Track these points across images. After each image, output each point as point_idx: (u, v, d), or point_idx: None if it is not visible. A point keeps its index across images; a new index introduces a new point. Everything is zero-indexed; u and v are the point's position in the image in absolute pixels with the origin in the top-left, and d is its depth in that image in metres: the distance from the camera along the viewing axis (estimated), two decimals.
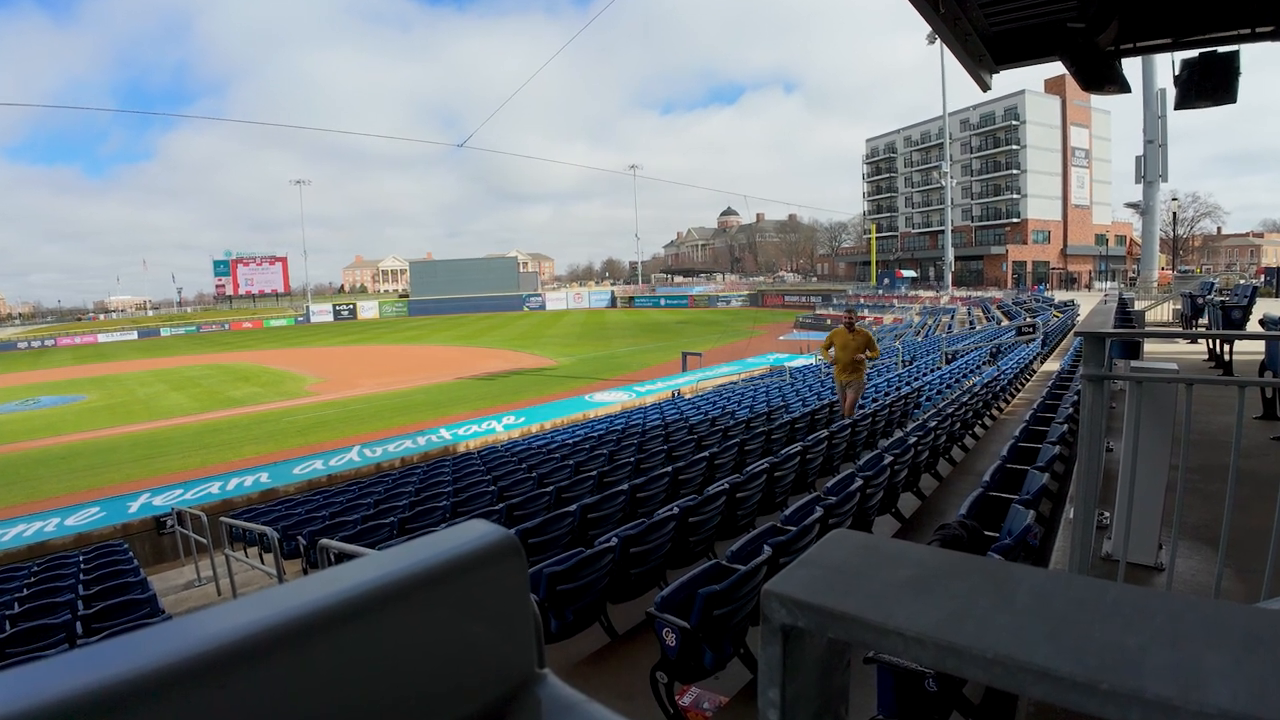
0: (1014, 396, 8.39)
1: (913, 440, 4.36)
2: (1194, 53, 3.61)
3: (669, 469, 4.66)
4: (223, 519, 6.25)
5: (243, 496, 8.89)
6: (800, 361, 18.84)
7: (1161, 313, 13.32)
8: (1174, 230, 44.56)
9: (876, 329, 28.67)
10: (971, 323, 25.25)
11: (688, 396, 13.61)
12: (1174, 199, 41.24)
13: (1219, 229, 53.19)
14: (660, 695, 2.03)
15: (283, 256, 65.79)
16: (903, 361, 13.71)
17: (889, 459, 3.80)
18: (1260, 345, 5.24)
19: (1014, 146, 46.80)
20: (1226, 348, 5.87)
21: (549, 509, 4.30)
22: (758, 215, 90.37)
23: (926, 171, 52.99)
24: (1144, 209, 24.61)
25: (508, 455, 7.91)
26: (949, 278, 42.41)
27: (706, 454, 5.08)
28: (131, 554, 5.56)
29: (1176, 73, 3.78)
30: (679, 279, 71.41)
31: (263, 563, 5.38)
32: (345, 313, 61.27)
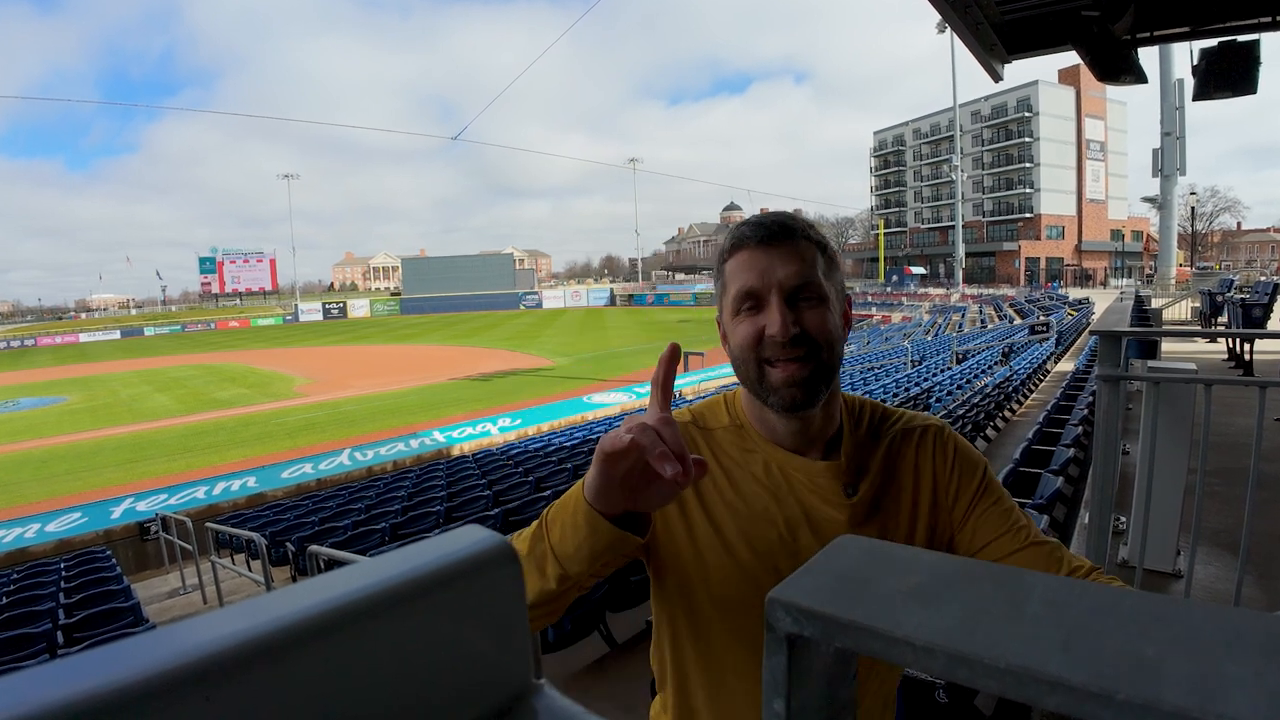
0: (1027, 398, 8.26)
1: None
2: (1213, 42, 3.52)
3: None
4: (209, 524, 6.08)
5: (229, 501, 8.75)
6: None
7: (1179, 311, 13.06)
8: (1192, 225, 43.68)
9: (885, 328, 28.17)
10: (983, 321, 24.93)
11: (690, 398, 13.56)
12: (1192, 193, 40.42)
13: (1239, 224, 52.07)
14: None
15: (271, 253, 65.28)
16: (912, 361, 13.56)
17: None
18: None
19: (1027, 139, 46.10)
20: (1247, 347, 5.74)
21: None
22: (761, 210, 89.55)
23: (936, 165, 52.37)
24: (1161, 204, 24.16)
25: (503, 458, 7.84)
26: (959, 275, 41.90)
27: None
28: (114, 561, 5.45)
29: (1195, 63, 3.69)
30: (680, 276, 71.13)
31: (250, 570, 5.34)
32: (335, 311, 60.60)
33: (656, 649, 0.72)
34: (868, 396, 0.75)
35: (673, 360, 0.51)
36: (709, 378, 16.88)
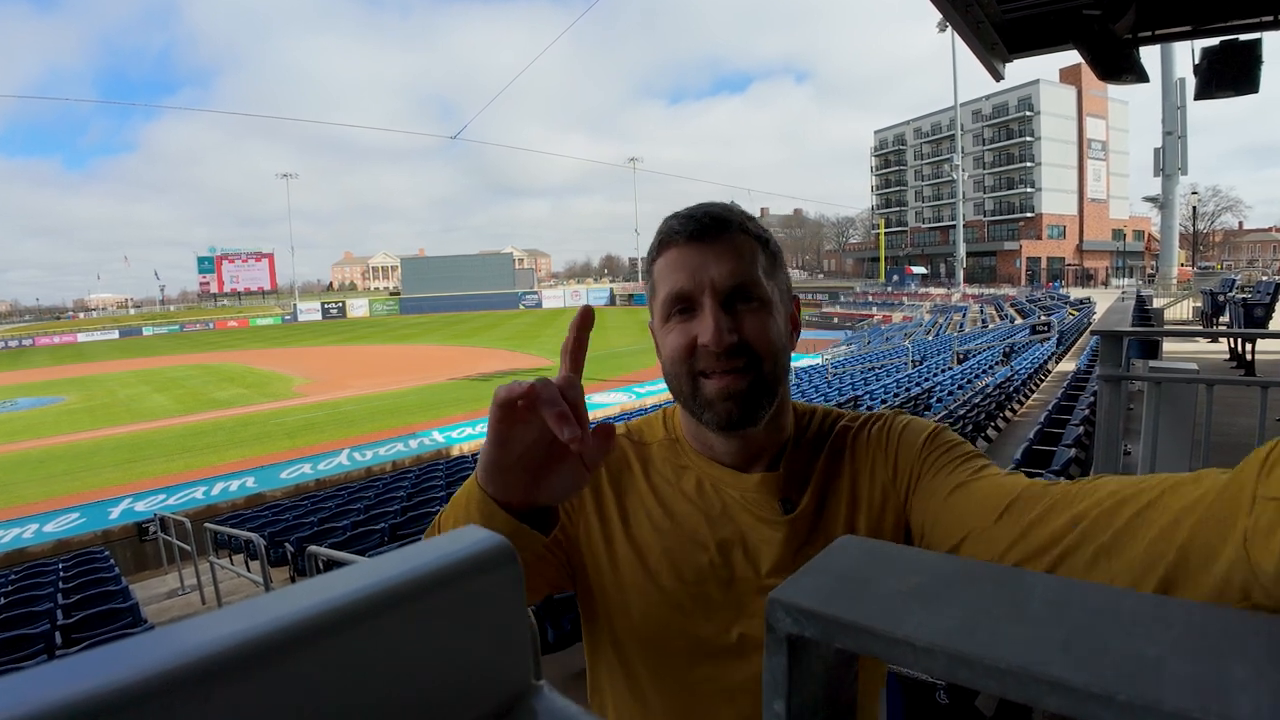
0: (1028, 398, 8.25)
1: None
2: (1214, 41, 3.51)
3: None
4: (207, 525, 6.06)
5: (228, 502, 8.74)
6: (806, 361, 18.73)
7: (1181, 310, 13.04)
8: (1194, 225, 43.60)
9: (886, 327, 28.20)
10: (984, 321, 24.92)
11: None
12: (1194, 193, 40.37)
13: (1240, 224, 52.01)
14: None
15: (269, 253, 65.28)
16: (913, 361, 13.56)
17: None
18: None
19: (1028, 138, 46.05)
20: (1248, 347, 5.72)
21: None
22: (761, 210, 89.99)
23: (937, 164, 52.35)
24: (1163, 203, 24.14)
25: None
26: (960, 274, 41.89)
27: None
28: (113, 561, 5.45)
29: (1196, 61, 3.69)
30: None
31: (249, 570, 5.34)
32: (334, 311, 60.45)
33: (593, 694, 0.63)
34: (822, 404, 0.66)
35: (584, 326, 0.43)
36: None
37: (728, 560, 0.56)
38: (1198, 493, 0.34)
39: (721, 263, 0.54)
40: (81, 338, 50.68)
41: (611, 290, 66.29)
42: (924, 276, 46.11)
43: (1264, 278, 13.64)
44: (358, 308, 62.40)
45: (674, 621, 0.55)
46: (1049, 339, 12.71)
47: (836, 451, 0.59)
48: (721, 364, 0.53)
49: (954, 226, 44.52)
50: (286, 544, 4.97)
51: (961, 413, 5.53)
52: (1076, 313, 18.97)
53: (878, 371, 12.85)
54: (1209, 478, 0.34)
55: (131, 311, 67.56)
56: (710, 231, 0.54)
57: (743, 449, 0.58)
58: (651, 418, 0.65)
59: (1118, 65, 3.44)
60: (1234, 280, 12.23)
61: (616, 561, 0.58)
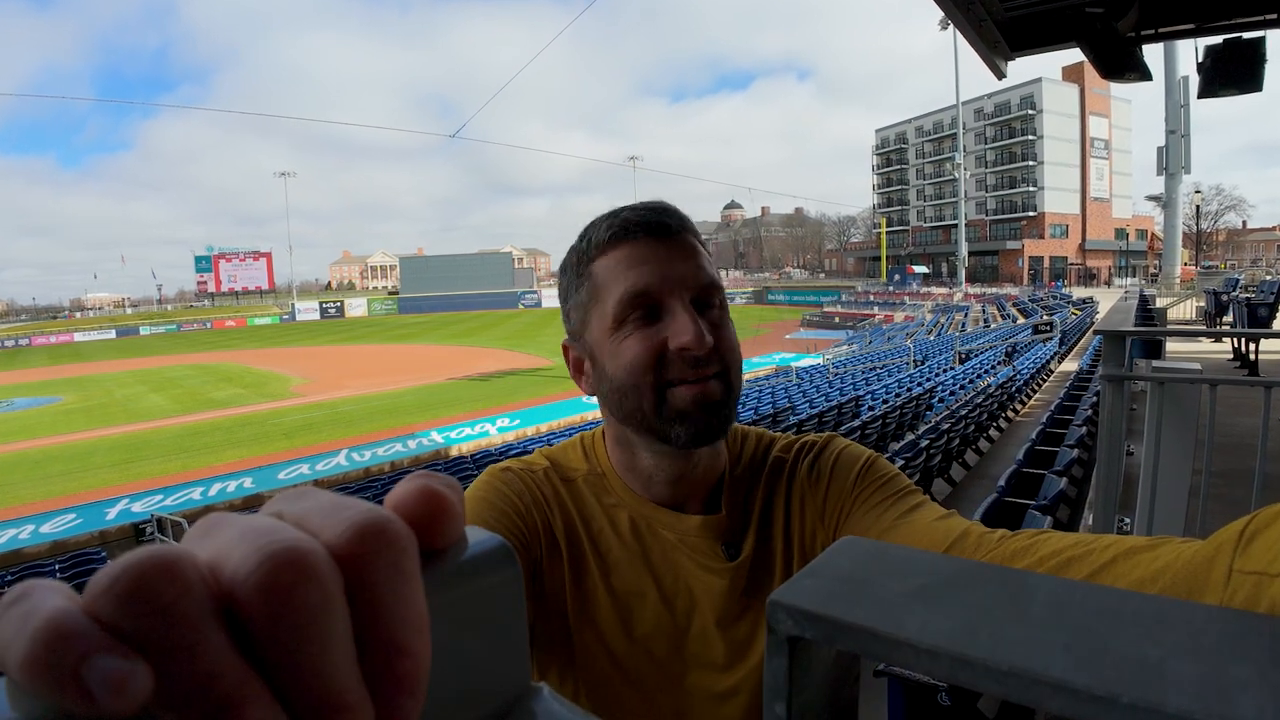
0: (1030, 398, 8.23)
1: (924, 443, 4.29)
2: (1218, 39, 3.49)
3: None
4: None
5: (225, 502, 8.71)
6: (807, 361, 18.71)
7: (1184, 310, 13.01)
8: (1197, 224, 43.45)
9: (887, 327, 28.20)
10: (986, 321, 24.89)
11: None
12: (1197, 192, 40.21)
13: (1244, 223, 51.78)
14: None
15: (267, 252, 65.46)
16: (914, 361, 13.54)
17: (899, 463, 3.74)
18: None
19: (1030, 137, 45.94)
20: (1252, 346, 5.70)
21: None
22: (762, 209, 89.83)
23: (939, 163, 52.25)
24: (1166, 202, 24.06)
25: (502, 459, 7.87)
26: (962, 274, 41.83)
27: None
28: (110, 563, 5.55)
29: (1200, 60, 3.67)
30: None
31: None
32: (332, 310, 60.58)
33: None
34: (752, 426, 0.60)
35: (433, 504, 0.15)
36: None
37: (673, 611, 0.51)
38: (1158, 564, 0.30)
39: (688, 261, 0.48)
40: (78, 337, 50.56)
41: None
42: (926, 276, 46.01)
43: (1268, 277, 13.59)
44: (356, 307, 62.46)
45: (623, 691, 0.50)
46: (1051, 339, 12.68)
47: (772, 488, 0.55)
48: (697, 371, 0.47)
49: (956, 225, 44.43)
50: None
51: (963, 413, 5.52)
52: (1079, 312, 18.94)
53: (879, 371, 12.83)
54: (1168, 547, 0.31)
55: (128, 311, 67.32)
56: (670, 228, 0.49)
57: (680, 481, 0.52)
58: (567, 447, 0.58)
59: (1120, 63, 3.43)
60: (1237, 280, 12.20)
61: (567, 620, 0.51)
